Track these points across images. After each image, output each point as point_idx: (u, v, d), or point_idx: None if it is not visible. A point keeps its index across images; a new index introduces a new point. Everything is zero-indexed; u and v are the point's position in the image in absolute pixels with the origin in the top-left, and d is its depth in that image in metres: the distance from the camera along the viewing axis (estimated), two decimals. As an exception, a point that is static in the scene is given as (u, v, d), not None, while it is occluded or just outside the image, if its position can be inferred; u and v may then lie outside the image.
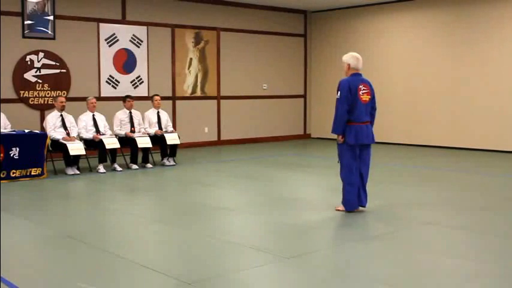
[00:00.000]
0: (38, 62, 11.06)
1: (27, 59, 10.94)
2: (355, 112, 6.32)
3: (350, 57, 6.47)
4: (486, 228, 5.95)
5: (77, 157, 9.49)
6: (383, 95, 13.67)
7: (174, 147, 10.50)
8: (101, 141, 9.53)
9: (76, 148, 9.25)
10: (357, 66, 6.44)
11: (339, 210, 6.54)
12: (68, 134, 9.46)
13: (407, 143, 13.63)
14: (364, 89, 6.37)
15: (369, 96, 6.42)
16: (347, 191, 6.45)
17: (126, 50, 12.29)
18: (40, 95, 11.11)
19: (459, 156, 11.70)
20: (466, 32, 12.59)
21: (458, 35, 12.72)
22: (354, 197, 6.46)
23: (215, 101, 13.86)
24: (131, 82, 12.38)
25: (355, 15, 14.64)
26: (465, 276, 4.44)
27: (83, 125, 9.77)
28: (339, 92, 6.30)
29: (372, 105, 6.51)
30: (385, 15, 14.06)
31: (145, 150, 10.18)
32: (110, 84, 12.07)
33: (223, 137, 14.07)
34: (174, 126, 12.04)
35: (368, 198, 6.64)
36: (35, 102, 11.07)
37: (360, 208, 6.57)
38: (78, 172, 9.47)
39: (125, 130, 10.23)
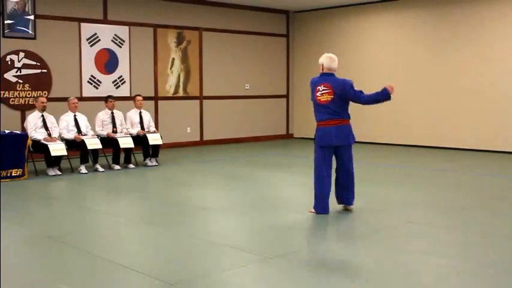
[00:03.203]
0: (19, 62, 10.96)
1: (8, 58, 10.83)
2: (316, 112, 6.34)
3: (324, 58, 6.39)
4: (467, 227, 6.01)
5: (59, 158, 9.42)
6: (365, 95, 13.77)
7: (157, 147, 10.47)
8: (82, 141, 9.47)
9: (57, 149, 9.19)
10: (330, 65, 6.31)
11: (311, 212, 6.51)
12: (49, 134, 9.39)
13: (389, 143, 13.71)
14: (323, 89, 6.23)
15: (331, 96, 6.19)
16: (316, 193, 6.43)
17: (108, 50, 12.23)
18: (21, 95, 11.01)
19: (441, 155, 11.81)
20: (448, 32, 12.71)
21: (440, 35, 12.83)
22: (323, 200, 6.41)
23: (197, 101, 13.85)
24: (113, 82, 12.31)
25: (338, 15, 14.71)
26: (446, 274, 4.49)
27: (64, 125, 9.70)
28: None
29: (342, 103, 6.26)
30: (367, 15, 14.14)
31: (128, 150, 10.14)
32: (91, 84, 11.99)
33: (205, 137, 14.06)
34: (156, 126, 12.01)
35: (355, 198, 6.62)
36: (16, 103, 10.97)
37: (348, 207, 6.56)
38: (60, 173, 9.41)
39: (106, 130, 10.17)
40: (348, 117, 6.39)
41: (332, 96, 6.23)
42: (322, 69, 6.38)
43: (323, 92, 6.25)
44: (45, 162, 9.40)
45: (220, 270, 4.61)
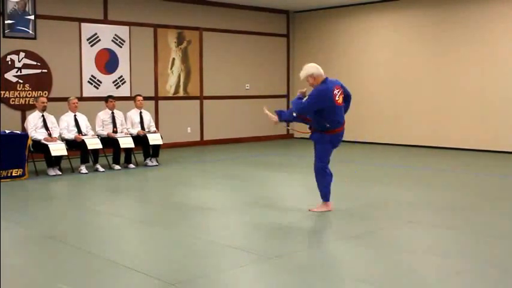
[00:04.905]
0: (19, 62, 10.96)
1: (8, 58, 10.84)
2: (332, 117, 6.28)
3: (313, 68, 6.31)
4: (467, 227, 6.02)
5: (59, 158, 9.43)
6: (364, 94, 13.79)
7: (157, 147, 10.47)
8: (83, 141, 9.48)
9: (58, 149, 9.19)
10: (321, 72, 6.32)
11: (312, 211, 6.53)
12: (49, 134, 9.40)
13: (389, 143, 13.71)
14: (337, 91, 6.31)
15: (342, 96, 6.40)
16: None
17: (108, 50, 12.23)
18: (21, 95, 11.01)
19: (440, 155, 11.81)
20: (448, 32, 12.70)
21: (441, 35, 12.83)
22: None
23: (198, 101, 13.85)
24: (113, 82, 12.32)
25: (338, 15, 14.71)
26: (446, 274, 4.49)
27: (64, 125, 9.70)
28: (313, 99, 6.21)
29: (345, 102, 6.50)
30: (368, 15, 14.14)
31: (128, 150, 10.14)
32: (91, 84, 12.00)
33: (206, 137, 14.06)
34: (156, 126, 12.01)
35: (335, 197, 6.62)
36: (16, 103, 10.97)
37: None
38: (60, 173, 9.41)
39: (107, 130, 10.18)
40: None
41: (343, 96, 6.41)
42: (314, 79, 6.28)
43: (339, 94, 6.33)
44: (45, 162, 9.40)
45: (220, 270, 4.62)
